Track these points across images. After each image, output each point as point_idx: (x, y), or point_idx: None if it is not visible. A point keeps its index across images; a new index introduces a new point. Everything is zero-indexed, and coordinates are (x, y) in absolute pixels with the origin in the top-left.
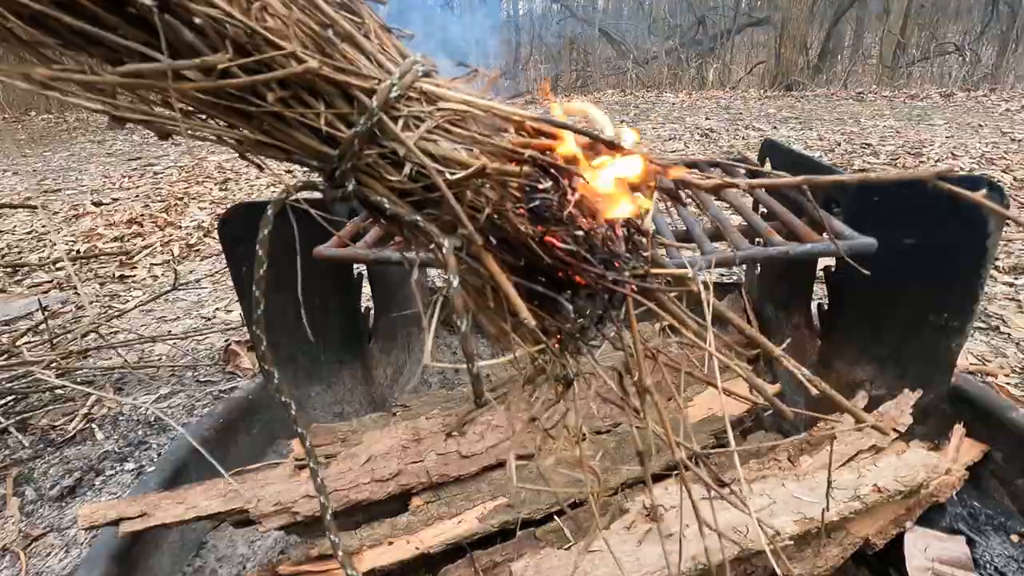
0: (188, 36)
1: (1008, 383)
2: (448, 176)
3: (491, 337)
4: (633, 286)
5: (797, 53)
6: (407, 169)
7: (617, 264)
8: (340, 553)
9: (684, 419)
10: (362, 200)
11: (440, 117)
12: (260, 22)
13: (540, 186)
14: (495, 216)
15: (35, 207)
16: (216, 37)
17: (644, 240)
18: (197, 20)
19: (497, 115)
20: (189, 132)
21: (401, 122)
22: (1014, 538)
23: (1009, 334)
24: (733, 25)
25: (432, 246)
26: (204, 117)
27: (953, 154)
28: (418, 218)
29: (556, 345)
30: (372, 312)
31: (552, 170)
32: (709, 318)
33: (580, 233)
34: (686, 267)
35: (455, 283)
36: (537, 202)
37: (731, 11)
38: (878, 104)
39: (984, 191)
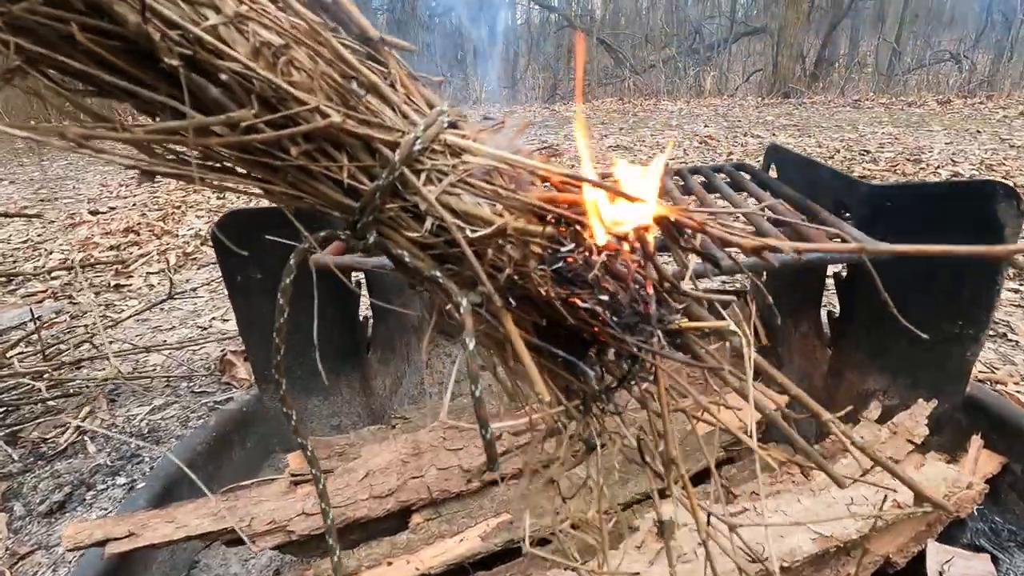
0: (214, 92)
1: (1018, 391)
2: (469, 233)
3: (508, 394)
4: (657, 351)
5: (794, 61)
6: (428, 224)
7: (645, 326)
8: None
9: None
10: (384, 251)
11: (464, 172)
12: (285, 76)
13: (564, 248)
14: (516, 276)
15: (35, 216)
16: (242, 92)
17: (675, 295)
18: (223, 76)
19: (523, 170)
20: (216, 184)
21: (424, 176)
22: None
23: (1017, 341)
24: (730, 34)
25: (449, 306)
26: (232, 168)
27: (953, 160)
28: (438, 274)
29: (578, 406)
30: (370, 322)
31: (577, 228)
32: (750, 373)
33: (605, 298)
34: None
35: (471, 346)
36: (560, 264)
37: (728, 20)
38: (876, 111)
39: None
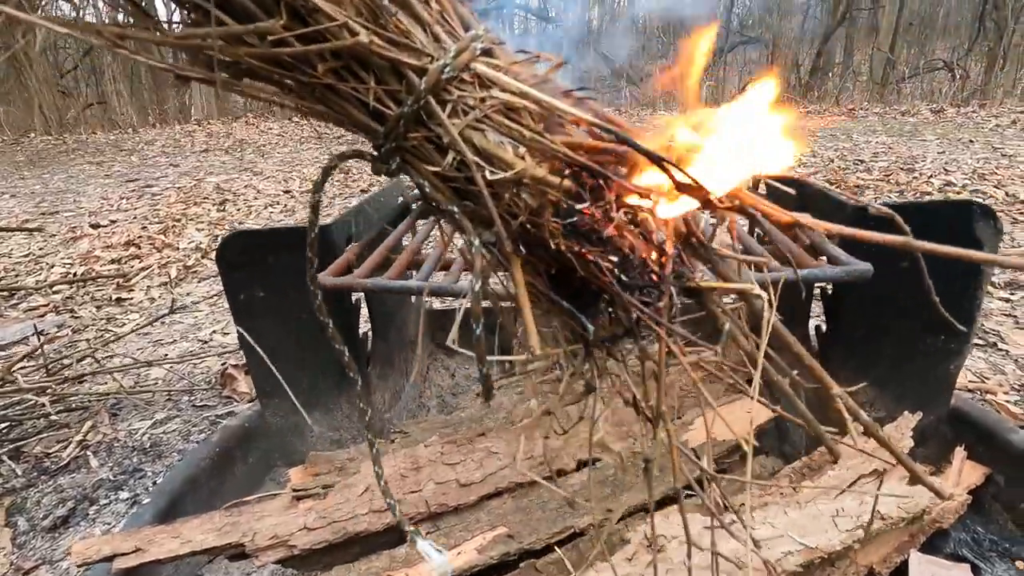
0: None
1: (1008, 401)
2: (488, 175)
3: (512, 336)
4: (655, 318)
5: (789, 71)
6: (449, 158)
7: (652, 288)
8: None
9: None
10: (409, 175)
11: (491, 107)
12: None
13: (580, 204)
14: (529, 224)
15: (36, 230)
16: (272, 1)
17: (703, 253)
18: None
19: (553, 111)
20: (248, 93)
21: (449, 107)
22: (1019, 565)
23: (1007, 351)
24: (725, 43)
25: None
26: (263, 78)
27: (945, 169)
28: (455, 209)
29: (580, 350)
30: (370, 337)
31: (601, 183)
32: (765, 339)
33: (614, 258)
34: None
35: (477, 286)
36: (575, 219)
37: (723, 29)
38: (870, 120)
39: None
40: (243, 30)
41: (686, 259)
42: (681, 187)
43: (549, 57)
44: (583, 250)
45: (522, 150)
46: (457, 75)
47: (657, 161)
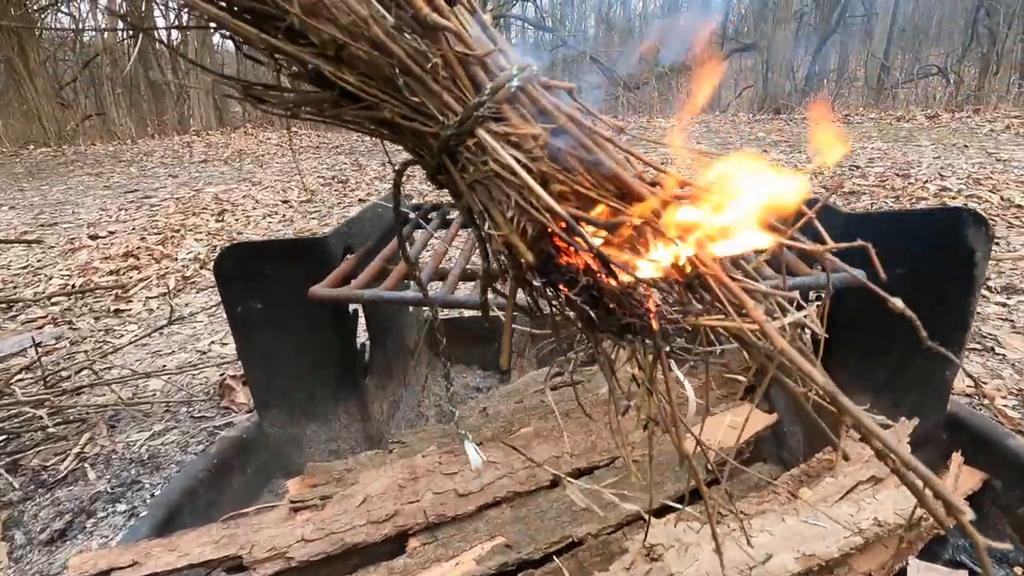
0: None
1: (1006, 405)
2: (487, 227)
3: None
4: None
5: (784, 77)
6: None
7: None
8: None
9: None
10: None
11: (488, 172)
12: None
13: (559, 258)
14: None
15: (35, 242)
16: (381, 92)
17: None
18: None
19: (529, 190)
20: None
21: (460, 164)
22: (1017, 571)
23: (1004, 355)
24: (721, 50)
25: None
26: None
27: (941, 174)
28: (478, 224)
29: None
30: (367, 348)
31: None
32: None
33: (586, 306)
34: None
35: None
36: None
37: (719, 37)
38: (865, 126)
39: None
40: (316, 99)
41: (681, 296)
42: (613, 268)
43: (567, 86)
44: (559, 285)
45: (510, 213)
46: (463, 139)
47: (600, 257)
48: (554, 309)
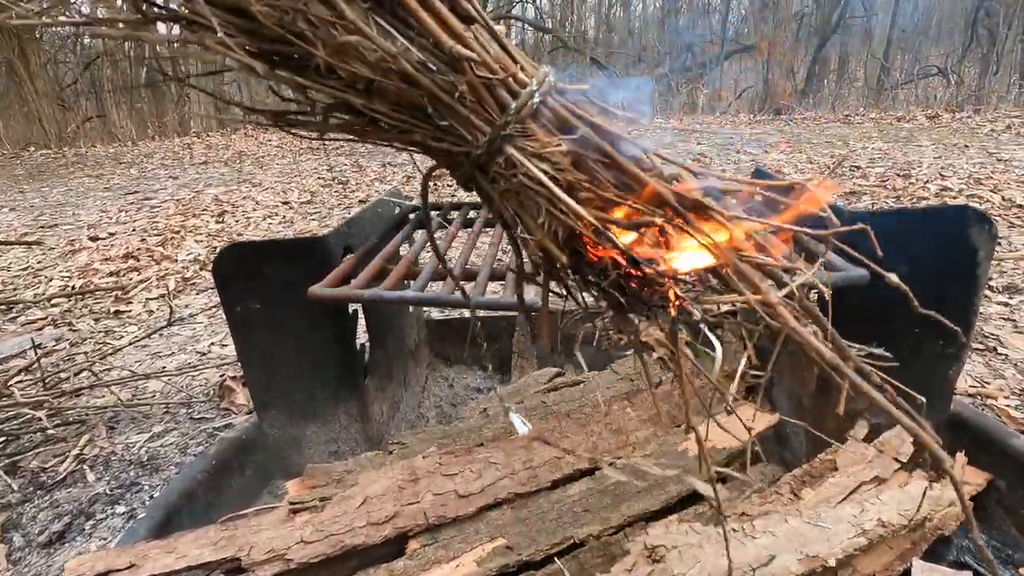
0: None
1: (1008, 405)
2: (519, 231)
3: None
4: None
5: (784, 78)
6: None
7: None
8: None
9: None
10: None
11: (517, 184)
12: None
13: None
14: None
15: (35, 243)
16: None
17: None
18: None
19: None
20: (376, 142)
21: (491, 176)
22: (1023, 571)
23: (1007, 355)
24: (721, 52)
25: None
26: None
27: (941, 175)
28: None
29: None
30: (367, 348)
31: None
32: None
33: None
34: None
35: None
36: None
37: (719, 38)
38: (865, 126)
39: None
40: (347, 123)
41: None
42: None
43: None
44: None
45: (541, 219)
46: (493, 156)
47: (632, 259)
48: (585, 297)
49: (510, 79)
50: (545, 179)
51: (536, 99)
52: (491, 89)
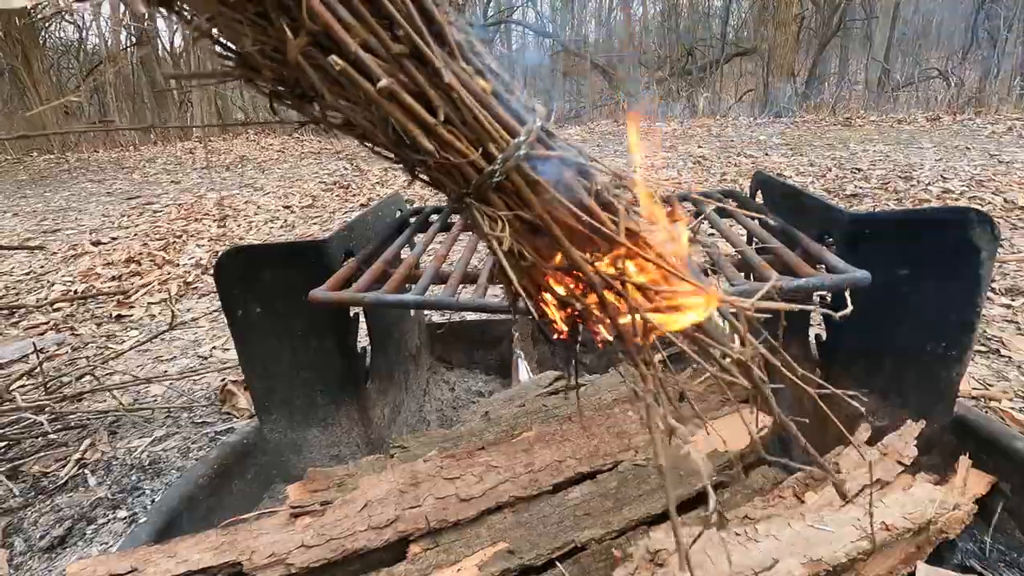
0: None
1: (1012, 408)
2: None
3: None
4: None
5: (785, 81)
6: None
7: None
8: None
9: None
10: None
11: (500, 228)
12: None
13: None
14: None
15: (38, 248)
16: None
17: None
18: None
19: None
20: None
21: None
22: None
23: (1010, 357)
24: (721, 55)
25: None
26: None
27: (943, 177)
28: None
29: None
30: (368, 352)
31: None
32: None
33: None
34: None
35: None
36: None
37: (719, 41)
38: (866, 129)
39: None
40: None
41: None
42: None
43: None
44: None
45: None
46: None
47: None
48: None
49: (477, 158)
50: (494, 243)
51: (496, 177)
52: (457, 165)
